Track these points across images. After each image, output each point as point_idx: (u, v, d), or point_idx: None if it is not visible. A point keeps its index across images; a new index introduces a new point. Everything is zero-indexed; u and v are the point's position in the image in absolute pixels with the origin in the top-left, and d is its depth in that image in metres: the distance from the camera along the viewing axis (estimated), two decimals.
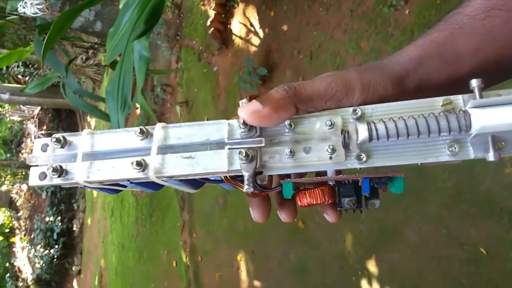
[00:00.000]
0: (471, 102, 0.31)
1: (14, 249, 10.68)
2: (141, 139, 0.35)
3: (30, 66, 7.94)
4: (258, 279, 2.81)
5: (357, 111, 0.33)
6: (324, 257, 2.30)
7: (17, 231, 10.55)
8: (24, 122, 9.14)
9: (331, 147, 0.32)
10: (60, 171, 0.34)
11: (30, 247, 8.59)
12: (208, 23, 3.28)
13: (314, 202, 0.36)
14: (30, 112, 8.66)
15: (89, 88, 6.62)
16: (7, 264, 10.66)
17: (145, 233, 4.76)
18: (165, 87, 4.29)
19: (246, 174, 0.33)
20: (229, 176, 0.35)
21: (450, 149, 0.32)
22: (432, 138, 0.32)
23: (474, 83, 0.31)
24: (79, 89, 3.11)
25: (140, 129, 0.34)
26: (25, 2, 1.83)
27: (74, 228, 8.07)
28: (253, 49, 3.04)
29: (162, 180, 0.35)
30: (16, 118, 9.21)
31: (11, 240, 11.06)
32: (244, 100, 0.34)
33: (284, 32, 2.76)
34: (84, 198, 7.90)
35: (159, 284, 4.29)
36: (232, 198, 3.14)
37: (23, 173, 8.89)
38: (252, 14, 3.08)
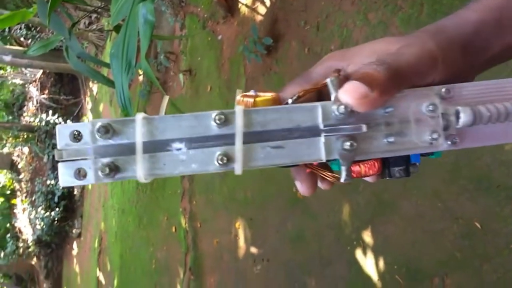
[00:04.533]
0: None
1: (15, 210, 10.86)
2: (218, 126, 0.29)
3: (33, 28, 7.84)
4: (255, 246, 2.87)
5: (449, 91, 0.32)
6: (321, 227, 2.34)
7: (18, 193, 10.68)
8: (26, 85, 9.11)
9: (432, 130, 0.31)
10: (113, 168, 0.28)
11: (31, 209, 8.72)
12: None
13: (369, 173, 0.35)
14: (32, 75, 8.63)
15: (92, 54, 6.57)
16: (8, 225, 10.86)
17: (145, 199, 4.83)
18: (169, 54, 4.25)
19: (345, 164, 0.31)
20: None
21: None
22: None
23: None
24: (83, 53, 3.08)
25: (221, 113, 0.29)
26: None
27: (75, 192, 8.17)
28: (259, 18, 3.00)
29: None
30: (18, 81, 9.18)
31: (12, 201, 11.23)
32: (333, 78, 0.31)
33: (291, 1, 2.72)
34: None
35: (158, 249, 4.39)
36: None
37: (25, 135, 8.93)
38: None
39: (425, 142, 0.32)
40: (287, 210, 2.62)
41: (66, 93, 8.61)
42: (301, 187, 0.37)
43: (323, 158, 0.31)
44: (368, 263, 2.02)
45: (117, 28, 2.30)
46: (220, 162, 0.29)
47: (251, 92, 0.33)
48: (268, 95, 0.33)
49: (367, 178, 0.39)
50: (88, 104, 8.19)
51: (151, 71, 2.24)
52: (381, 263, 1.96)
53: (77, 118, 8.62)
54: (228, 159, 0.29)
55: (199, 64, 3.80)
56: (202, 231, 3.57)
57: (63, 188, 7.91)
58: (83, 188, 8.02)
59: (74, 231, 8.11)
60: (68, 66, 5.81)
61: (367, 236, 2.05)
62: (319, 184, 0.38)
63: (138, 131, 0.29)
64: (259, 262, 2.79)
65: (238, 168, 0.29)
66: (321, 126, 0.30)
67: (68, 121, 8.27)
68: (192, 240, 3.65)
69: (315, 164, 0.34)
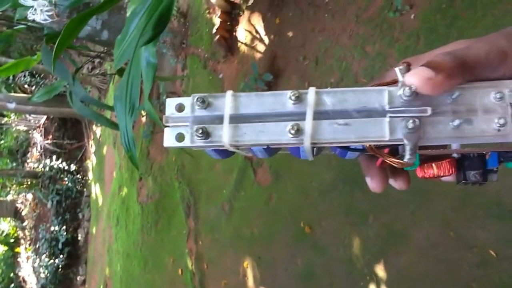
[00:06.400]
0: None
1: (18, 259, 10.69)
2: (293, 103, 0.34)
3: (37, 75, 8.02)
4: (265, 286, 2.79)
5: None
6: (331, 262, 2.29)
7: (22, 241, 10.56)
8: (30, 131, 9.20)
9: (501, 119, 0.31)
10: (206, 133, 0.34)
11: (35, 256, 8.58)
12: (214, 31, 3.31)
13: (441, 174, 0.36)
14: (36, 121, 8.73)
15: (95, 97, 6.67)
16: (12, 275, 10.65)
17: (151, 241, 4.76)
18: (171, 94, 4.31)
19: (409, 144, 0.32)
20: (375, 146, 0.34)
21: None
22: None
23: None
24: (86, 97, 3.13)
25: (297, 91, 0.33)
26: (35, 9, 1.86)
27: (79, 238, 8.07)
28: (258, 55, 3.06)
29: (313, 147, 0.34)
30: (22, 127, 9.27)
31: (16, 250, 11.08)
32: (402, 67, 0.33)
33: (289, 38, 2.78)
34: (89, 207, 7.91)
35: None
36: (238, 204, 3.14)
37: (29, 182, 8.92)
38: (258, 21, 3.11)
39: (493, 130, 0.32)
40: (295, 246, 2.57)
41: (69, 137, 8.67)
42: (372, 183, 0.39)
43: (387, 136, 0.32)
44: None
45: (120, 72, 2.35)
46: (292, 133, 0.33)
47: None
48: None
49: (445, 179, 0.39)
50: (92, 147, 8.23)
51: (154, 112, 2.26)
52: None
53: (81, 161, 8.64)
54: (298, 130, 0.33)
55: None
56: (209, 272, 3.48)
57: (67, 233, 7.83)
58: (87, 233, 7.92)
59: (78, 278, 7.94)
60: (72, 111, 5.90)
61: (380, 270, 1.99)
62: (393, 183, 0.39)
63: (227, 104, 0.35)
64: None
65: (307, 139, 0.33)
66: (387, 108, 0.32)
67: (72, 165, 8.28)
68: (199, 283, 3.56)
69: (385, 152, 0.36)
